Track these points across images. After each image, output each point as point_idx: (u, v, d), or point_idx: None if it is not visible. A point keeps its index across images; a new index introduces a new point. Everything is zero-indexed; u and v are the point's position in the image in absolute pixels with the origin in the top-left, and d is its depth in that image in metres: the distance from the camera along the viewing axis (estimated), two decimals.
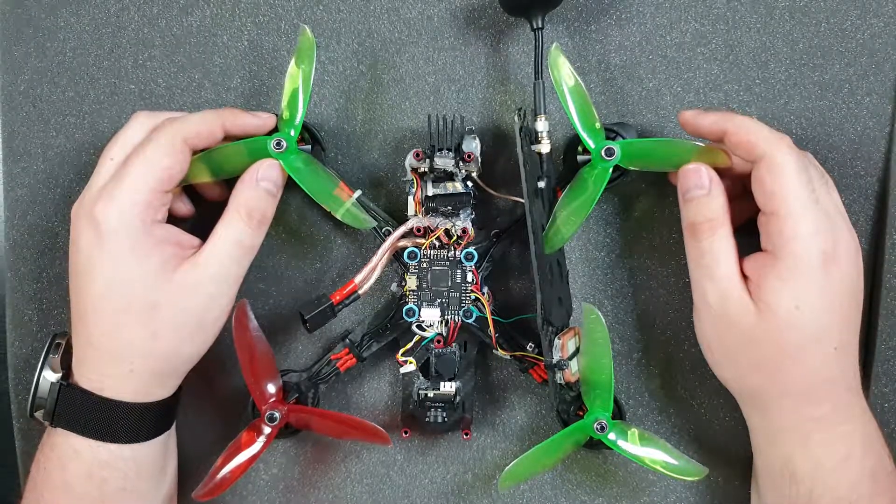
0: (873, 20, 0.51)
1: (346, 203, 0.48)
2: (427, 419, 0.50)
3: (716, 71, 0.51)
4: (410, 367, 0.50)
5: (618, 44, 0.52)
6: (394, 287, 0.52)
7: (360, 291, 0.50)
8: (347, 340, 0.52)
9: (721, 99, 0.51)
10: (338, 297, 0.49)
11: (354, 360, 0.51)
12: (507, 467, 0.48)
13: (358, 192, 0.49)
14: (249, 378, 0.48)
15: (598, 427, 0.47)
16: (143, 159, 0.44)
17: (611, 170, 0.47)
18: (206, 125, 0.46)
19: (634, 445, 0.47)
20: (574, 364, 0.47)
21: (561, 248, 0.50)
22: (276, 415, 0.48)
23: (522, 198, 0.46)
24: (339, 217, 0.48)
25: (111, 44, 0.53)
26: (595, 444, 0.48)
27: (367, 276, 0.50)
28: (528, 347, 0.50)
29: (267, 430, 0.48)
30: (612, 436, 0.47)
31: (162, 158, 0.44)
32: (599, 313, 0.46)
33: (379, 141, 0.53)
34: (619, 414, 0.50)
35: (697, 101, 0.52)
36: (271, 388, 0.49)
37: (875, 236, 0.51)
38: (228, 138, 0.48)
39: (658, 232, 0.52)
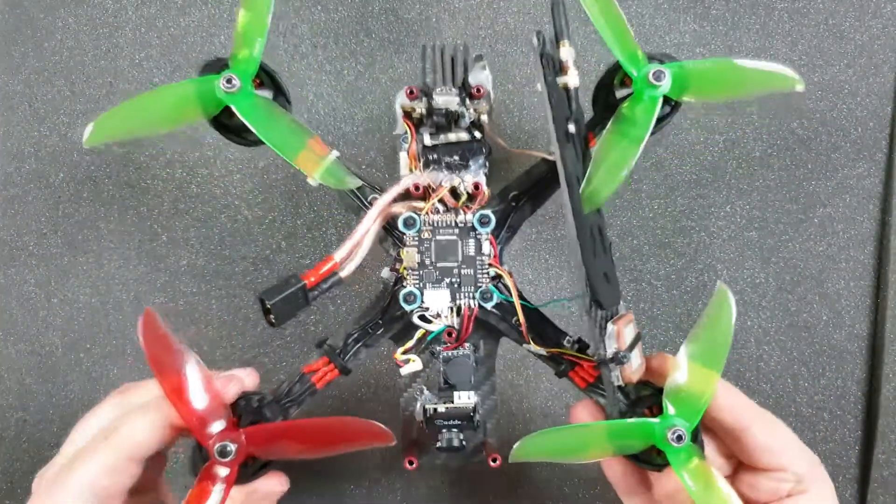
0: (872, 22, 0.51)
1: (326, 158, 0.37)
2: (439, 443, 0.37)
3: None
4: (413, 365, 0.38)
5: None
6: (385, 273, 0.40)
7: (343, 273, 0.37)
8: (326, 346, 0.39)
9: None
10: (312, 279, 0.36)
11: (336, 372, 0.38)
12: (527, 436, 0.36)
13: (335, 153, 0.38)
14: (180, 407, 0.35)
15: (674, 436, 0.34)
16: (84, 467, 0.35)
17: (660, 100, 0.36)
18: (154, 435, 0.35)
19: (699, 485, 0.34)
20: (635, 357, 0.36)
21: (600, 212, 0.38)
22: (231, 447, 0.34)
23: (544, 150, 0.38)
24: (315, 177, 0.37)
25: (108, 44, 0.53)
26: (644, 459, 0.36)
27: (351, 253, 0.37)
28: (564, 343, 0.39)
29: (223, 471, 0.34)
30: (682, 456, 0.34)
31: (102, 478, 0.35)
32: (732, 295, 0.36)
33: (377, 141, 0.52)
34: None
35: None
36: (215, 413, 0.35)
37: (879, 238, 0.51)
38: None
39: (658, 233, 0.52)
